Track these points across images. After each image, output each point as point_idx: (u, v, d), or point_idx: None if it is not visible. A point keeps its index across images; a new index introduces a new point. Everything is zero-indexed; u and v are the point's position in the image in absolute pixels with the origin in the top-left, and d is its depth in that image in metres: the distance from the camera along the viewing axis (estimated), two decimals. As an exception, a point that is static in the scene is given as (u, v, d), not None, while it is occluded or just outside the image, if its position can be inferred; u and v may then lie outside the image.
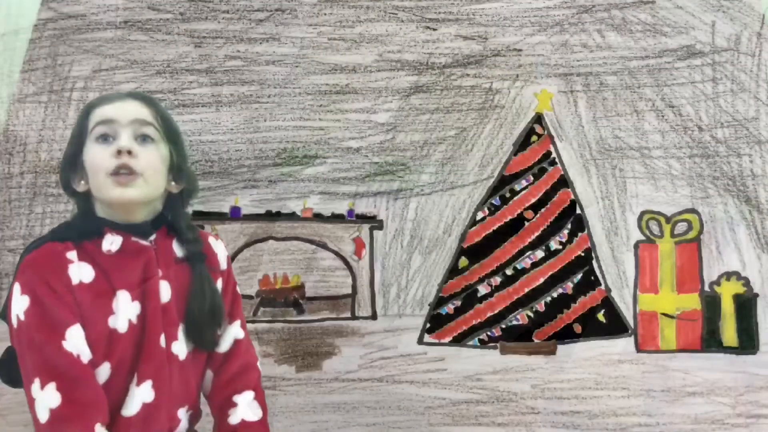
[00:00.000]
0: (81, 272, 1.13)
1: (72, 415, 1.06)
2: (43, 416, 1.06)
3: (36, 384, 1.07)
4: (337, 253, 1.93)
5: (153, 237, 1.21)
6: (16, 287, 1.11)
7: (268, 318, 1.90)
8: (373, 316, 1.92)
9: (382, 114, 1.95)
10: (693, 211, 1.96)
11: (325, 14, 1.96)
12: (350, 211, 1.93)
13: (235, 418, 1.26)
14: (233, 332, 1.30)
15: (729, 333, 1.94)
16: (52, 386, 1.06)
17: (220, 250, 1.33)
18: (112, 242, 1.16)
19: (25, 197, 1.85)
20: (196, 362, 1.25)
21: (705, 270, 1.95)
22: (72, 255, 1.14)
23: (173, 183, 1.25)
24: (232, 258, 1.87)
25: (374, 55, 1.96)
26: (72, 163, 1.20)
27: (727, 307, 1.95)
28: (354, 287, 1.93)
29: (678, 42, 1.99)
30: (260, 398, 1.31)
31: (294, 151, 1.93)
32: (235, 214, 1.90)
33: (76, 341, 1.09)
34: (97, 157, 1.15)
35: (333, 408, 1.89)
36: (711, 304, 1.95)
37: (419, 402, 1.90)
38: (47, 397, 1.06)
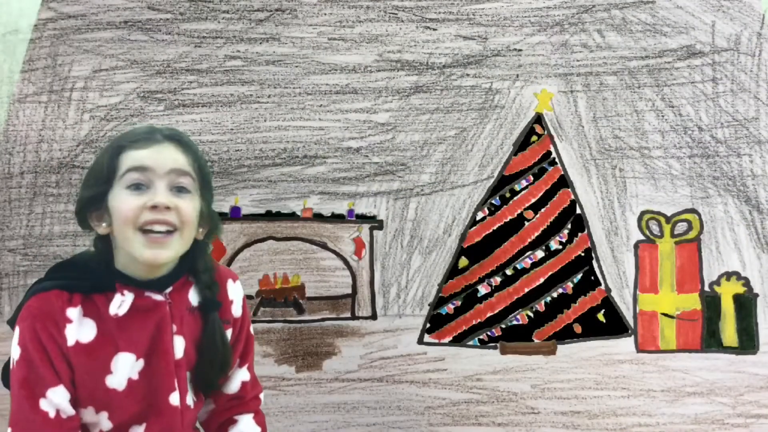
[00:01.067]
0: (80, 332, 1.09)
1: None
2: None
3: None
4: (337, 253, 1.93)
5: (169, 290, 1.15)
6: (16, 331, 1.09)
7: (268, 318, 1.90)
8: (373, 316, 1.92)
9: (382, 114, 1.95)
10: (693, 211, 1.96)
11: (325, 14, 1.96)
12: (350, 211, 1.93)
13: (235, 431, 1.27)
14: (241, 375, 1.28)
15: (729, 333, 1.94)
16: None
17: (237, 295, 1.28)
18: (120, 304, 1.10)
19: (25, 197, 1.85)
20: (200, 399, 1.24)
21: (705, 270, 1.96)
22: (73, 313, 1.09)
23: (200, 229, 1.18)
24: (231, 258, 1.89)
25: (374, 55, 1.96)
26: (94, 204, 1.12)
27: (727, 307, 1.95)
28: (354, 287, 1.93)
29: (678, 42, 1.99)
30: (259, 419, 1.30)
31: (294, 151, 1.93)
32: (235, 214, 1.90)
33: (55, 400, 1.07)
34: (129, 206, 1.07)
35: (333, 408, 1.89)
36: (711, 304, 1.95)
37: (419, 402, 1.90)
38: None
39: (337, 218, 1.93)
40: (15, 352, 1.09)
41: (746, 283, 1.94)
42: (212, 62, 1.92)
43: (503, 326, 1.94)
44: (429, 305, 1.93)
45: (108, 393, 1.10)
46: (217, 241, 1.88)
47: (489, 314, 1.94)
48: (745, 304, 1.94)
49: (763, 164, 1.98)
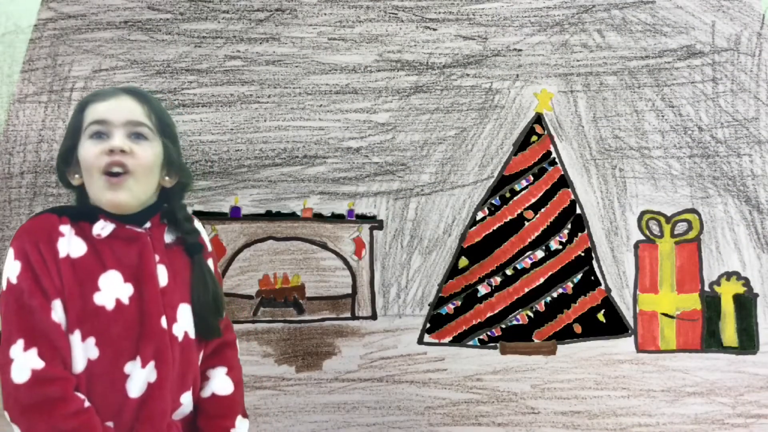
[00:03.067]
0: (71, 246, 1.16)
1: (55, 377, 1.09)
2: (23, 376, 1.07)
3: (18, 345, 1.09)
4: (337, 253, 1.93)
5: (148, 225, 1.24)
6: (9, 252, 1.15)
7: (268, 318, 1.90)
8: (373, 316, 1.92)
9: (382, 114, 1.95)
10: (693, 211, 1.96)
11: (325, 14, 1.96)
12: (350, 211, 1.93)
13: (206, 391, 1.30)
14: None
15: (729, 333, 1.94)
16: (34, 351, 1.09)
17: (203, 231, 1.38)
18: (103, 227, 1.19)
19: (25, 197, 1.85)
20: (197, 345, 1.27)
21: (705, 270, 1.96)
22: (65, 228, 1.17)
23: (167, 178, 1.28)
24: (231, 258, 1.89)
25: (374, 55, 1.96)
26: (67, 158, 1.24)
27: (727, 307, 1.95)
28: (354, 287, 1.93)
29: (678, 42, 1.99)
30: (233, 374, 1.34)
31: (294, 151, 1.93)
32: (235, 214, 1.90)
33: (60, 312, 1.13)
34: (91, 153, 1.18)
35: (333, 408, 1.89)
36: (711, 304, 1.95)
37: (419, 402, 1.90)
38: (30, 359, 1.08)
39: (337, 218, 1.93)
40: (13, 269, 1.13)
41: (746, 283, 1.95)
42: (212, 62, 1.92)
43: (503, 326, 1.94)
44: (429, 305, 1.93)
45: (96, 312, 1.14)
46: (217, 241, 1.88)
47: (489, 314, 1.94)
48: (745, 304, 1.94)
49: (763, 164, 1.98)
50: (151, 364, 1.16)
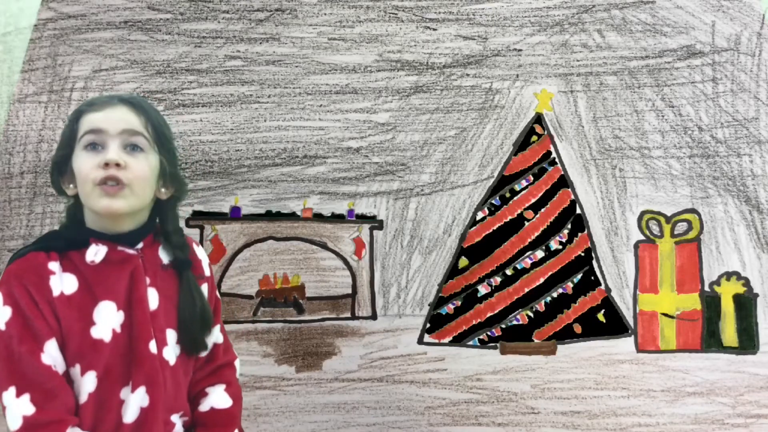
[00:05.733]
0: (63, 283, 1.14)
1: (47, 421, 1.08)
2: (15, 423, 1.08)
3: (10, 392, 1.09)
4: (337, 253, 1.93)
5: (140, 246, 1.21)
6: None
7: (268, 318, 1.90)
8: (373, 316, 1.92)
9: (382, 114, 1.95)
10: (693, 211, 1.96)
11: (325, 14, 1.96)
12: (350, 211, 1.93)
13: (204, 406, 1.29)
14: (213, 337, 1.32)
15: (729, 333, 1.94)
16: (26, 397, 1.08)
17: (203, 256, 1.35)
18: (96, 253, 1.16)
19: (25, 197, 1.85)
20: (185, 367, 1.26)
21: (705, 270, 1.96)
22: (54, 266, 1.15)
23: (162, 189, 1.25)
24: (231, 258, 1.89)
25: (374, 55, 1.96)
26: (61, 167, 1.20)
27: (727, 307, 1.95)
28: (354, 287, 1.93)
29: (678, 42, 1.99)
30: (232, 390, 1.32)
31: (294, 151, 1.93)
32: (235, 214, 1.90)
33: (52, 353, 1.11)
34: (85, 165, 1.15)
35: (333, 408, 1.89)
36: (711, 304, 1.95)
37: (419, 402, 1.90)
38: (21, 406, 1.08)
39: (337, 218, 1.93)
40: (3, 313, 1.11)
41: (746, 283, 1.95)
42: (212, 62, 1.92)
43: (503, 326, 1.94)
44: (429, 305, 1.93)
45: (95, 345, 1.13)
46: (217, 241, 1.88)
47: (489, 314, 1.94)
48: (745, 304, 1.94)
49: (763, 164, 1.98)
50: (143, 389, 1.16)
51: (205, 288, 1.30)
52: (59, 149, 1.21)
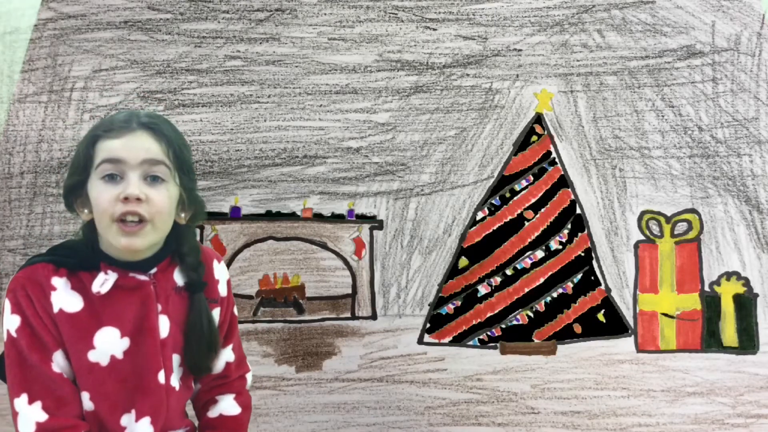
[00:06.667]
0: (65, 301, 1.11)
1: (60, 427, 1.08)
2: (28, 429, 1.07)
3: (23, 399, 1.08)
4: (337, 253, 1.93)
5: (153, 270, 1.17)
6: (7, 304, 1.11)
7: (268, 318, 1.90)
8: (373, 316, 1.92)
9: (382, 114, 1.95)
10: (693, 211, 1.96)
11: (325, 14, 1.96)
12: (350, 211, 1.93)
13: (213, 412, 1.29)
14: (225, 356, 1.29)
15: (729, 333, 1.94)
16: (38, 404, 1.08)
17: (222, 275, 1.29)
18: (103, 282, 1.12)
19: (25, 197, 1.85)
20: (188, 384, 1.25)
21: (705, 270, 1.96)
22: (59, 282, 1.12)
23: (182, 215, 1.19)
24: (231, 258, 1.89)
25: (374, 55, 1.96)
26: (75, 191, 1.14)
27: (727, 307, 1.95)
28: (354, 287, 1.93)
29: (678, 42, 1.99)
30: (241, 399, 1.31)
31: (294, 151, 1.93)
32: (235, 214, 1.90)
33: (60, 363, 1.11)
34: (103, 198, 1.09)
35: (333, 408, 1.89)
36: (711, 304, 1.95)
37: (419, 402, 1.90)
38: (34, 413, 1.08)
39: (337, 218, 1.93)
40: (12, 322, 1.10)
41: (746, 283, 1.94)
42: (212, 62, 1.92)
43: (503, 326, 1.94)
44: (429, 305, 1.93)
45: (91, 368, 1.12)
46: (217, 241, 1.88)
47: (489, 314, 1.94)
48: (745, 304, 1.94)
49: (763, 164, 1.98)
50: (147, 419, 1.14)
51: (216, 312, 1.25)
52: (73, 174, 1.14)
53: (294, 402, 1.88)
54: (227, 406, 1.29)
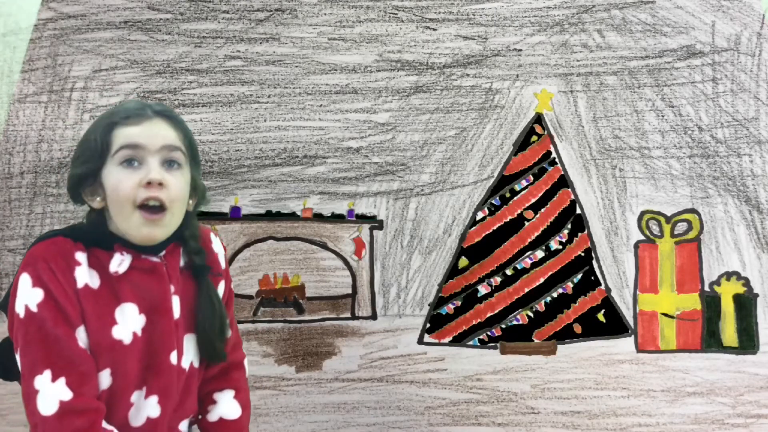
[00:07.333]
0: (88, 276, 1.11)
1: (84, 409, 1.06)
2: (50, 408, 1.04)
3: (45, 376, 1.05)
4: (337, 253, 1.93)
5: (162, 253, 1.18)
6: (25, 278, 1.08)
7: (268, 318, 1.90)
8: (373, 316, 1.92)
9: (382, 114, 1.95)
10: (693, 211, 1.96)
11: (325, 14, 1.96)
12: (350, 211, 1.93)
13: (213, 415, 1.28)
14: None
15: (729, 333, 1.94)
16: (62, 380, 1.05)
17: (219, 249, 1.31)
18: (120, 263, 1.12)
19: (25, 197, 1.85)
20: (199, 372, 1.25)
21: (705, 270, 1.96)
22: (81, 257, 1.11)
23: (190, 201, 1.21)
24: (231, 258, 1.89)
25: (374, 55, 1.96)
26: (88, 179, 1.14)
27: (727, 307, 1.95)
28: (354, 287, 1.93)
29: (678, 42, 1.99)
30: (241, 397, 1.31)
31: (294, 151, 1.93)
32: (235, 214, 1.90)
33: (83, 339, 1.09)
34: (124, 184, 1.10)
35: (333, 408, 1.89)
36: (711, 304, 1.95)
37: (419, 402, 1.90)
38: (58, 390, 1.04)
39: (337, 218, 1.93)
40: (33, 297, 1.07)
41: (746, 283, 1.95)
42: (212, 62, 1.92)
43: (503, 326, 1.94)
44: (429, 305, 1.93)
45: (114, 345, 1.11)
46: (217, 241, 1.88)
47: (489, 314, 1.94)
48: (745, 304, 1.94)
49: (763, 164, 1.98)
50: (155, 398, 1.14)
51: (221, 287, 1.27)
52: (86, 162, 1.13)
53: (294, 402, 1.88)
54: (227, 408, 1.29)
